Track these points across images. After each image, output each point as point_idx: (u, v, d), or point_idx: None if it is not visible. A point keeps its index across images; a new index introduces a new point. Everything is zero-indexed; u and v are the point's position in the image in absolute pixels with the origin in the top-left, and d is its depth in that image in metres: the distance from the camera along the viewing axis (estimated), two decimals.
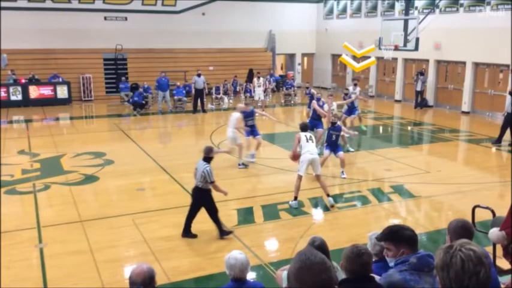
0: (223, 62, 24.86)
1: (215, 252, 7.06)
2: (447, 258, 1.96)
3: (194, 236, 7.58)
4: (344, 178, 10.68)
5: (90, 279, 6.31)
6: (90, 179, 10.74)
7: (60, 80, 21.63)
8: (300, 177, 9.02)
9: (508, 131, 13.89)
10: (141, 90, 20.60)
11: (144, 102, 20.23)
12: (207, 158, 7.54)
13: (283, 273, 4.29)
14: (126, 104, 21.27)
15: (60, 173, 11.19)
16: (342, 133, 11.18)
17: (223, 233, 7.54)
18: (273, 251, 7.43)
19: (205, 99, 20.26)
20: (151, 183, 10.76)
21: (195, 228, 7.68)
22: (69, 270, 6.55)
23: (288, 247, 7.20)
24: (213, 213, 7.54)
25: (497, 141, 14.02)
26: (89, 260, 6.85)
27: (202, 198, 7.53)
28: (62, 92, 21.54)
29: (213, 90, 22.10)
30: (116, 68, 23.26)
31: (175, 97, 20.77)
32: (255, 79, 20.96)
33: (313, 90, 15.46)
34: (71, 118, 19.44)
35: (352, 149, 13.28)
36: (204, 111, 19.89)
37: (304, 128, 9.45)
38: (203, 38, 24.51)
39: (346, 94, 15.27)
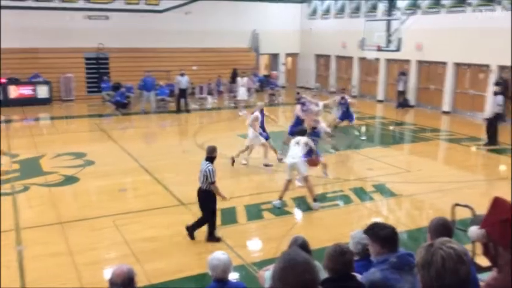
0: (206, 61, 24.76)
1: (198, 253, 7.01)
2: (428, 256, 1.97)
3: (218, 240, 7.40)
4: (326, 177, 10.51)
5: (70, 281, 6.22)
6: (70, 180, 10.59)
7: (41, 79, 21.31)
8: (287, 181, 9.05)
9: (489, 131, 14.03)
10: (123, 89, 20.41)
11: (126, 102, 20.04)
12: (210, 158, 7.38)
13: (265, 274, 4.28)
14: (108, 104, 21.04)
15: (39, 174, 11.01)
16: (324, 132, 11.20)
17: (192, 231, 7.43)
18: (256, 251, 7.42)
19: (188, 99, 20.15)
20: (133, 184, 10.66)
21: (176, 229, 7.64)
22: (49, 273, 6.44)
23: (271, 247, 7.18)
24: (210, 215, 7.39)
25: (493, 143, 13.91)
26: (69, 262, 6.75)
27: (207, 198, 7.33)
28: (43, 91, 21.21)
29: (197, 90, 22.00)
30: (97, 67, 23.01)
31: (158, 97, 20.65)
32: (238, 78, 20.92)
33: (304, 95, 14.99)
34: (52, 118, 19.17)
35: (332, 150, 13.22)
36: (187, 111, 19.78)
37: (299, 133, 9.43)
38: (186, 38, 24.38)
39: (342, 98, 14.88)
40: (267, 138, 11.85)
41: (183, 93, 19.55)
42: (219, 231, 7.74)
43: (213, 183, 7.25)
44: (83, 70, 22.78)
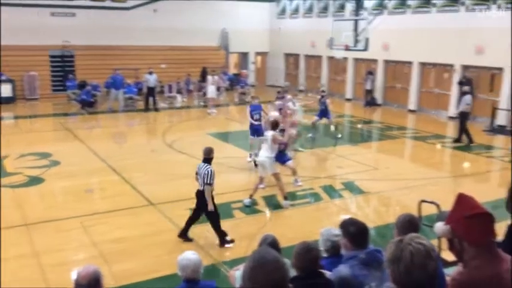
0: (175, 59, 24.52)
1: (168, 254, 6.92)
2: (397, 251, 2.01)
3: (190, 240, 7.33)
4: (300, 185, 10.11)
5: (35, 283, 6.05)
6: (35, 180, 10.29)
7: (4, 78, 20.64)
8: (259, 178, 9.05)
9: (459, 128, 14.33)
10: (89, 88, 20.02)
11: (92, 100, 19.67)
12: (208, 159, 7.25)
13: (236, 273, 4.27)
14: (73, 103, 20.57)
15: (3, 175, 10.64)
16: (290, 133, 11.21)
17: (224, 242, 7.30)
18: (227, 250, 7.38)
19: (157, 98, 19.92)
20: (101, 184, 10.45)
21: (145, 229, 7.53)
22: (14, 275, 6.25)
23: (242, 246, 7.17)
24: (215, 219, 7.32)
25: (458, 140, 14.21)
26: (34, 264, 6.58)
27: (202, 201, 7.24)
28: (6, 90, 20.54)
29: (166, 89, 21.79)
30: (62, 65, 22.47)
31: (126, 95, 20.35)
32: (208, 77, 20.85)
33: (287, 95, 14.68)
34: (16, 117, 18.57)
35: (301, 148, 13.24)
36: (156, 109, 19.56)
37: (271, 127, 9.20)
38: (155, 35, 24.06)
39: (322, 97, 14.85)
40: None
41: (151, 91, 19.32)
42: (189, 231, 7.69)
43: (209, 184, 7.06)
44: (48, 68, 22.20)
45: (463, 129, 14.22)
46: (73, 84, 21.41)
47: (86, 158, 12.27)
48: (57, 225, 7.96)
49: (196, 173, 7.33)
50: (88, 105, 19.25)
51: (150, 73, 19.31)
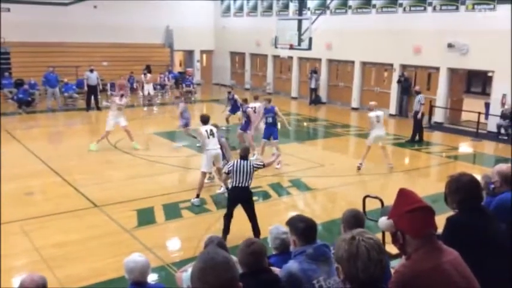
0: (118, 57, 23.88)
1: (114, 256, 6.75)
2: (353, 249, 2.02)
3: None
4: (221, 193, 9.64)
5: None
6: None
7: None
8: (204, 174, 9.02)
9: (416, 128, 14.71)
10: (26, 86, 19.15)
11: (30, 99, 18.83)
12: (246, 157, 7.47)
13: (183, 275, 4.24)
14: (10, 102, 19.58)
15: None
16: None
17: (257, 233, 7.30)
18: (175, 250, 7.32)
19: (99, 96, 19.35)
20: (42, 187, 10.03)
21: (89, 232, 7.32)
22: None
23: (191, 246, 7.12)
24: (253, 212, 7.36)
25: (412, 140, 14.63)
26: None
27: (250, 197, 7.38)
28: None
29: (109, 87, 21.20)
30: None
31: (66, 94, 19.61)
32: (142, 76, 20.70)
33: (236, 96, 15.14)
34: None
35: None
36: (98, 108, 18.99)
37: (205, 121, 9.33)
38: (96, 32, 23.32)
39: (229, 93, 15.26)
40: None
41: (93, 89, 18.77)
42: (136, 232, 7.55)
43: (264, 165, 7.72)
44: None
45: (420, 128, 14.64)
46: (9, 82, 20.38)
47: (25, 159, 11.74)
48: None
49: (228, 173, 7.33)
50: (26, 104, 18.43)
51: (91, 71, 18.74)
